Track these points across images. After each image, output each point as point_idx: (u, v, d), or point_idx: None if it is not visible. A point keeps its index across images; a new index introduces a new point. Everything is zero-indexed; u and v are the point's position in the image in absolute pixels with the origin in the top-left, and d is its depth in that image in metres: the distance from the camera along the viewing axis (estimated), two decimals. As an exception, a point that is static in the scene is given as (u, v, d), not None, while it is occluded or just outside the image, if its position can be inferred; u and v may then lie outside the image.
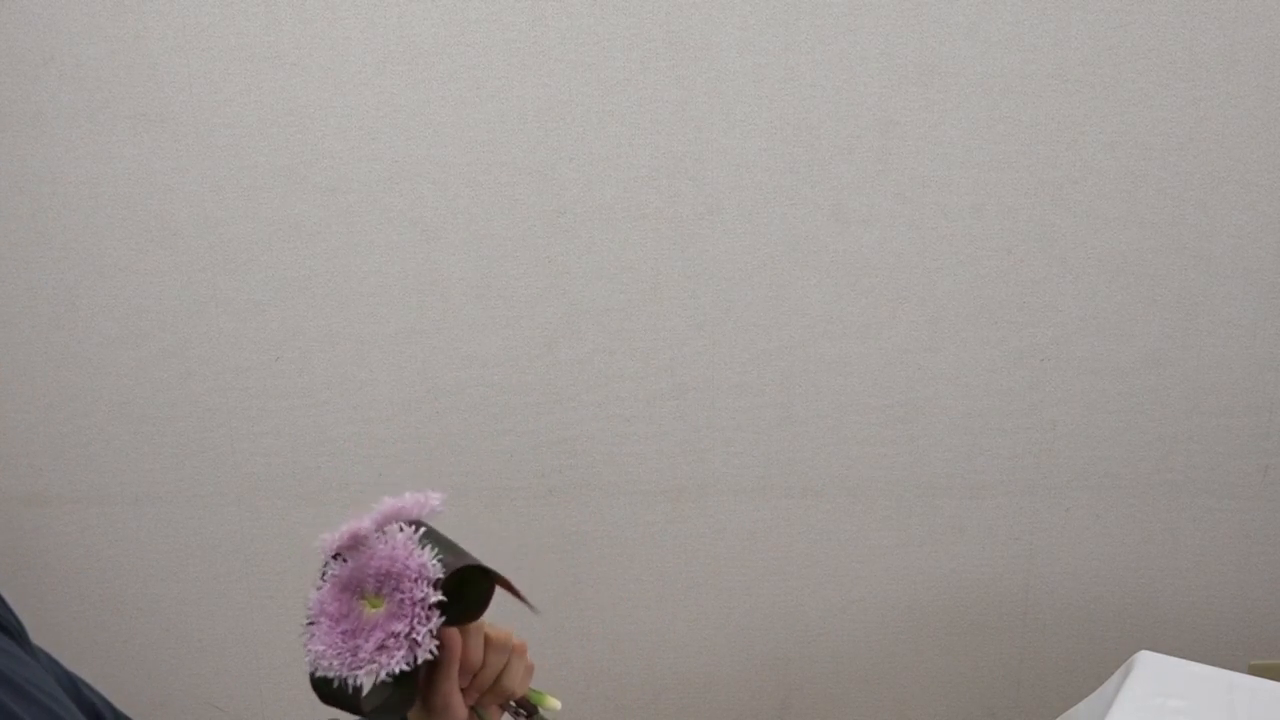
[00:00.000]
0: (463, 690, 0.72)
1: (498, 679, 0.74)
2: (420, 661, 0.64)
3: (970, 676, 1.56)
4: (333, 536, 0.66)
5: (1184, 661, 1.12)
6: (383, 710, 0.66)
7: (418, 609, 0.64)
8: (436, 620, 0.65)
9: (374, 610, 0.65)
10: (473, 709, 0.74)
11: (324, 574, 0.67)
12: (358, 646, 0.64)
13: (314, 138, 1.36)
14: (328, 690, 0.66)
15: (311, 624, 0.66)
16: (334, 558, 0.67)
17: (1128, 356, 1.42)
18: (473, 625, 0.71)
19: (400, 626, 0.64)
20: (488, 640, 0.72)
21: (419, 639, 0.64)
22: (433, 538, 0.67)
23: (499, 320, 1.42)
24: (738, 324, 1.42)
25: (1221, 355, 1.41)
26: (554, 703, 0.78)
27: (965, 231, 1.38)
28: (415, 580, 0.64)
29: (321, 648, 0.65)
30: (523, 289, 1.41)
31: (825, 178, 1.36)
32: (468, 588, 0.67)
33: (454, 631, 0.69)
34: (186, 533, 1.50)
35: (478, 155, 1.36)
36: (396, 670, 0.64)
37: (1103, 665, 1.40)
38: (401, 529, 0.66)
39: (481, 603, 0.68)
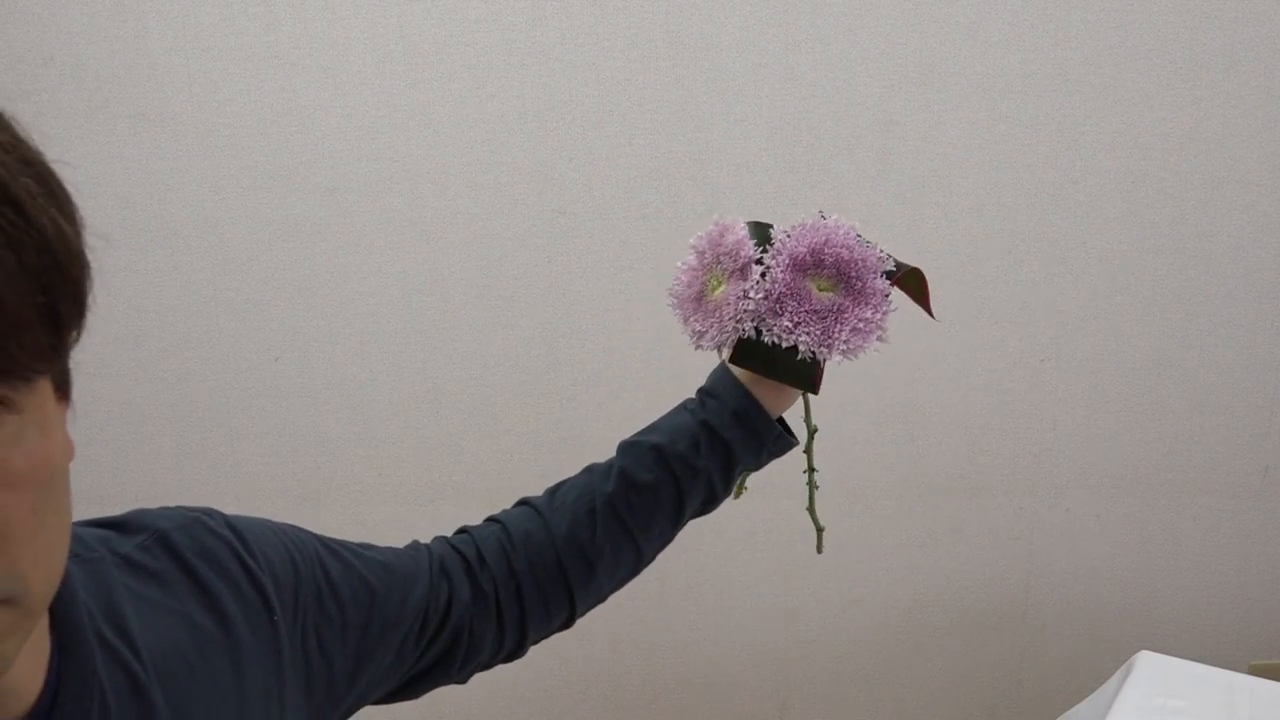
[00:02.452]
0: None
1: None
2: (876, 345, 0.67)
3: (970, 676, 1.56)
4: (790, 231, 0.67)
5: (1184, 661, 1.12)
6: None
7: (879, 299, 0.66)
8: (890, 311, 0.67)
9: (825, 294, 0.67)
10: None
11: (765, 252, 0.67)
12: (828, 329, 0.66)
13: (314, 138, 1.36)
14: (760, 354, 0.67)
15: (722, 283, 0.67)
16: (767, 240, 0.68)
17: (1128, 357, 1.42)
18: None
19: (870, 314, 0.66)
20: None
21: (885, 326, 0.67)
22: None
23: (499, 320, 1.42)
24: (738, 324, 1.41)
25: (1221, 355, 1.41)
26: None
27: (965, 231, 1.38)
28: (875, 272, 0.66)
29: (790, 324, 0.66)
30: (523, 289, 1.41)
31: (825, 178, 1.36)
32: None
33: None
34: (186, 533, 1.50)
35: (478, 155, 1.36)
36: (864, 353, 0.67)
37: (1103, 665, 1.41)
38: (840, 221, 0.68)
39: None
